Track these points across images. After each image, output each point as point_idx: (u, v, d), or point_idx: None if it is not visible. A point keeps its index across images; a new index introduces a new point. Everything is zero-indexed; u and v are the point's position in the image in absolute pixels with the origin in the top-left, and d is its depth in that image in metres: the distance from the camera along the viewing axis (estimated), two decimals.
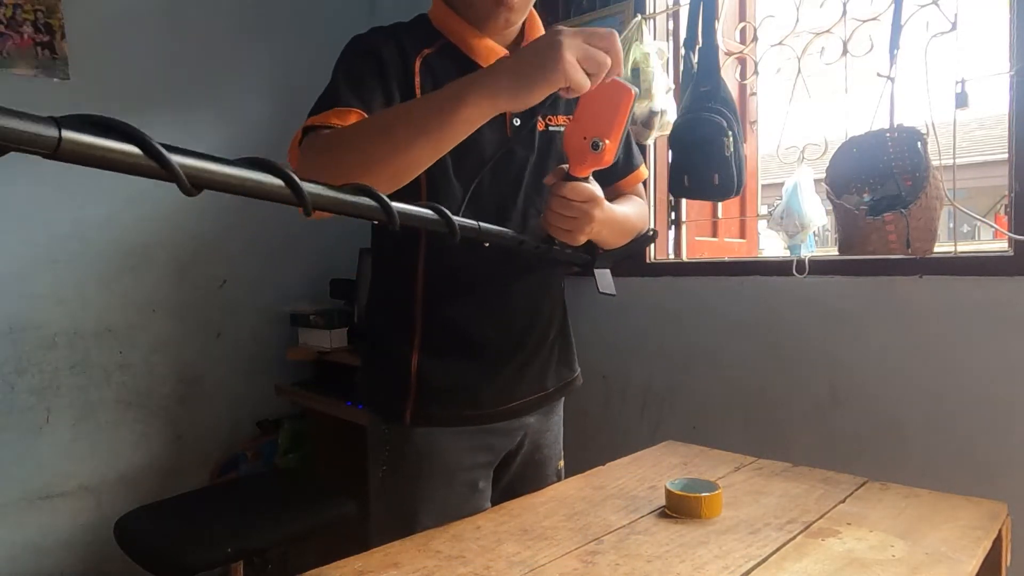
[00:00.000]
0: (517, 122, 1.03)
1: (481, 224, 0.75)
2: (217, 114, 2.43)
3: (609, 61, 0.75)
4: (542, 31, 1.03)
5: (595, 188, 0.88)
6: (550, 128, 1.06)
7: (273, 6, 2.51)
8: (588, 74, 0.74)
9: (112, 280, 2.23)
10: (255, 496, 1.96)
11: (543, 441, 1.16)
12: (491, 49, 1.00)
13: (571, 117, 0.97)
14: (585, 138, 0.83)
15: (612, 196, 1.09)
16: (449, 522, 0.88)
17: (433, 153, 0.80)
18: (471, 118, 0.77)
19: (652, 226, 1.21)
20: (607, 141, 0.83)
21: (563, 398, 1.20)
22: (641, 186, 1.21)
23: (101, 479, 2.23)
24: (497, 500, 1.04)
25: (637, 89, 0.83)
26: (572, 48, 0.72)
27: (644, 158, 1.44)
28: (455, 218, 0.68)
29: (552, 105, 1.05)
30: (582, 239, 0.91)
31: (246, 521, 1.75)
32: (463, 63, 0.99)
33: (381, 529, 1.04)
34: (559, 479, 1.17)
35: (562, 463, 1.20)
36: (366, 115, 0.88)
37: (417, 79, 0.97)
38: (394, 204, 0.59)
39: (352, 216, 0.58)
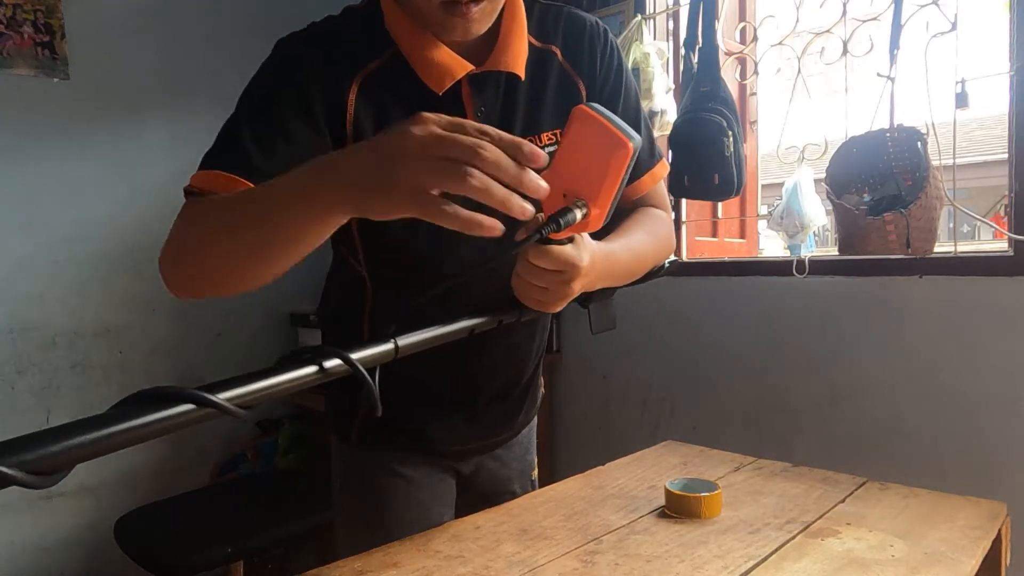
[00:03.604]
0: None
1: (398, 342, 0.60)
2: (217, 114, 2.40)
3: (467, 173, 0.50)
4: (523, 33, 0.83)
5: (577, 250, 0.67)
6: None
7: (273, 5, 2.51)
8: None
9: (112, 280, 2.23)
10: (255, 496, 1.96)
11: (509, 456, 1.08)
12: (445, 65, 0.78)
13: (560, 137, 0.79)
14: (564, 195, 0.63)
15: (625, 207, 0.91)
16: (406, 532, 0.87)
17: (285, 260, 0.64)
18: (320, 228, 0.59)
19: (673, 257, 0.98)
20: (592, 207, 0.63)
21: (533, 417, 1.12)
22: (661, 187, 0.96)
23: (101, 479, 2.22)
24: (464, 515, 0.96)
25: (637, 139, 0.62)
26: (417, 167, 0.50)
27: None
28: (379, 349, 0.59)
29: (531, 122, 0.84)
30: (558, 309, 0.72)
31: (246, 521, 1.75)
32: (410, 84, 0.78)
33: (342, 541, 1.01)
34: (534, 488, 1.11)
35: (536, 472, 1.14)
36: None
37: (351, 112, 0.76)
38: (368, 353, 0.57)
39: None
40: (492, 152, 0.51)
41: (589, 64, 0.88)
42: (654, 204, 0.94)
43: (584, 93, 0.87)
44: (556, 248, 0.66)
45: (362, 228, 0.85)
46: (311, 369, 0.52)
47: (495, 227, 0.53)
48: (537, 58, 0.85)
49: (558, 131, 0.85)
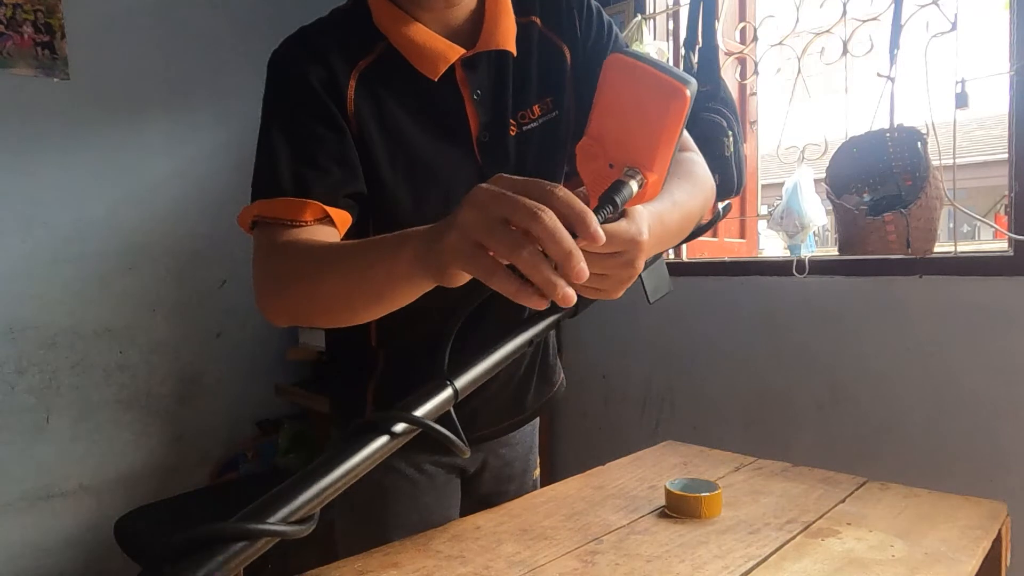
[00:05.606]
0: (487, 137, 0.83)
1: (455, 383, 0.50)
2: (217, 113, 2.43)
3: (519, 244, 0.46)
4: (510, 10, 0.84)
5: (634, 224, 0.56)
6: (524, 128, 0.84)
7: (272, 5, 2.51)
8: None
9: (112, 280, 2.23)
10: (255, 496, 1.96)
11: (512, 455, 1.07)
12: (438, 51, 0.79)
13: (552, 106, 0.85)
14: (612, 166, 0.52)
15: None
16: (409, 534, 0.87)
17: (382, 311, 0.65)
18: (401, 287, 0.59)
19: (726, 202, 0.89)
20: (648, 174, 0.51)
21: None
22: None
23: (101, 479, 2.22)
24: (467, 514, 0.97)
25: (693, 83, 0.50)
26: (475, 220, 0.48)
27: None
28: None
29: (521, 97, 0.84)
30: (620, 294, 0.63)
31: None
32: (405, 76, 0.80)
33: (346, 541, 1.00)
34: (535, 488, 1.11)
35: (538, 472, 1.13)
36: (321, 205, 0.74)
37: (351, 107, 0.78)
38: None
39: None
40: (550, 221, 0.46)
41: (569, 26, 0.88)
42: (681, 148, 0.84)
43: (568, 56, 0.87)
44: (612, 227, 0.54)
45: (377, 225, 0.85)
46: (382, 441, 0.46)
47: (541, 304, 0.48)
48: (520, 33, 0.86)
49: (548, 99, 0.85)
